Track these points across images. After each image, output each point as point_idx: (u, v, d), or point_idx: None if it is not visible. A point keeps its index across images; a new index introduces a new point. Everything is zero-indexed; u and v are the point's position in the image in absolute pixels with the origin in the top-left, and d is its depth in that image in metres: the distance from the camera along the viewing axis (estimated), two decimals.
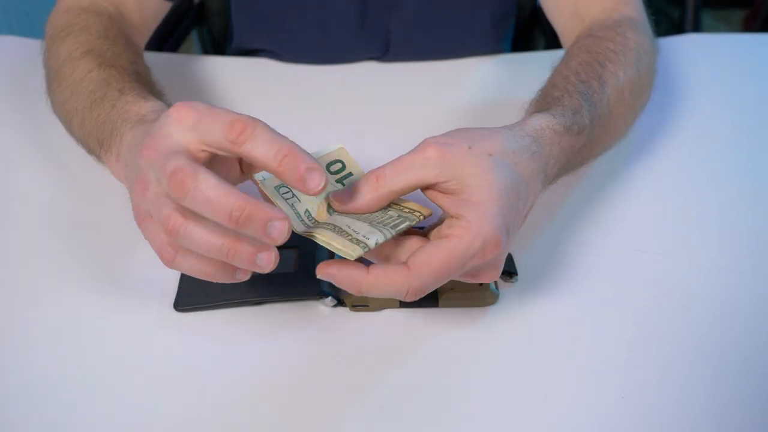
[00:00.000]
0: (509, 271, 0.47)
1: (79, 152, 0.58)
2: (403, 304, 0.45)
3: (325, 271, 0.38)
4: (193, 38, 0.97)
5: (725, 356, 0.42)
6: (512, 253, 0.49)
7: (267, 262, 0.35)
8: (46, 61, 0.58)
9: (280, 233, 0.34)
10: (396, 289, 0.37)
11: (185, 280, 0.46)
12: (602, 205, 0.54)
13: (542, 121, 0.45)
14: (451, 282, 0.45)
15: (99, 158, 0.50)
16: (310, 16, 0.73)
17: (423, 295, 0.38)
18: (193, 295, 0.45)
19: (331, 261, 0.38)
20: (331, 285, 0.45)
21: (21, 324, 0.44)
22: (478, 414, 0.39)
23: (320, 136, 0.61)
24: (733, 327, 0.44)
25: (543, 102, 0.50)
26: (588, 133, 0.48)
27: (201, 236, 0.35)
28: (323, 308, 0.45)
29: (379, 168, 0.40)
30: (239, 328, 0.44)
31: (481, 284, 0.45)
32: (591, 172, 0.57)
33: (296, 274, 0.45)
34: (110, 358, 0.42)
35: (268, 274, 0.45)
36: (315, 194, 0.35)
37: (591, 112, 0.49)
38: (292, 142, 0.36)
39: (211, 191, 0.33)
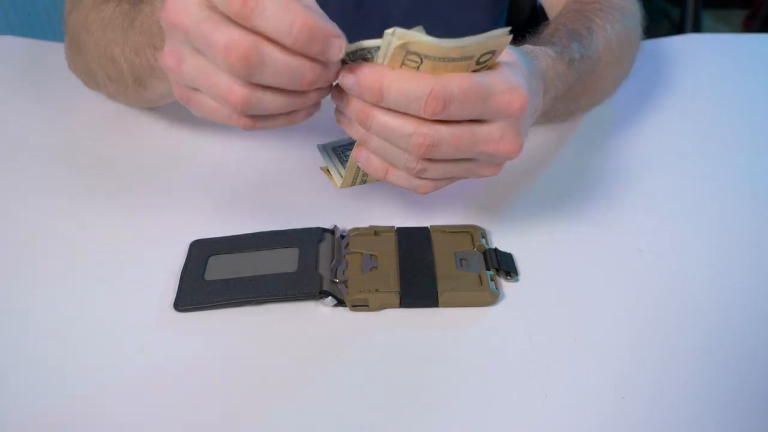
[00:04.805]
0: (509, 271, 0.47)
1: (79, 152, 0.59)
2: (403, 304, 0.45)
3: (347, 75, 0.36)
4: None
5: (725, 356, 0.42)
6: (512, 253, 0.49)
7: (338, 49, 0.34)
8: (67, 26, 0.56)
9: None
10: (417, 88, 0.35)
11: (185, 280, 0.46)
12: (602, 205, 0.54)
13: (533, 47, 0.46)
14: (451, 282, 0.46)
15: (153, 69, 0.47)
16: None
17: (442, 110, 0.35)
18: (193, 295, 0.45)
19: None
20: (331, 285, 0.45)
21: (21, 324, 0.44)
22: (478, 413, 0.39)
23: (316, 131, 0.61)
24: (734, 327, 0.44)
25: (535, 43, 0.51)
26: (577, 68, 0.49)
27: (271, 101, 0.35)
28: (323, 308, 0.45)
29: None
30: (239, 328, 0.44)
31: (481, 284, 0.45)
32: (591, 171, 0.57)
33: (296, 274, 0.45)
34: (110, 358, 0.42)
35: (267, 275, 0.45)
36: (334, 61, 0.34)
37: (580, 51, 0.50)
38: (306, 13, 0.32)
39: (282, 61, 0.32)
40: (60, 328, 0.44)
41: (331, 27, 0.34)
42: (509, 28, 0.36)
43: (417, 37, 0.35)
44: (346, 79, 0.36)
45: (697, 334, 0.44)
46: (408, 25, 0.36)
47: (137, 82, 0.50)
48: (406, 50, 0.35)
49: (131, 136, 0.60)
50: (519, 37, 0.50)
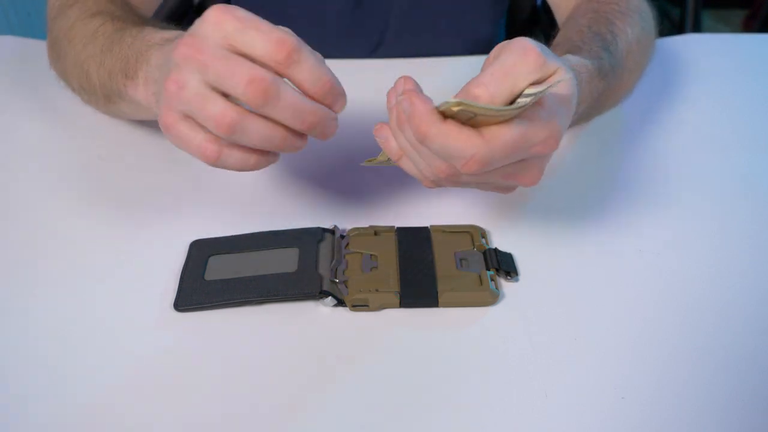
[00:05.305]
0: (509, 271, 0.47)
1: (79, 152, 0.59)
2: (403, 304, 0.45)
3: (407, 99, 0.37)
4: None
5: (725, 356, 0.42)
6: (512, 253, 0.49)
7: (342, 105, 0.40)
8: (51, 31, 0.57)
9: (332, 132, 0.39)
10: (463, 147, 0.36)
11: (185, 280, 0.46)
12: (602, 205, 0.54)
13: (578, 60, 0.47)
14: (451, 282, 0.46)
15: (122, 94, 0.49)
16: (307, 11, 0.73)
17: (480, 169, 0.37)
18: (193, 295, 0.45)
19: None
20: (331, 285, 0.45)
21: (20, 324, 0.44)
22: (478, 413, 0.39)
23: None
24: (734, 327, 0.44)
25: (565, 47, 0.51)
26: (609, 80, 0.50)
27: (260, 129, 0.37)
28: (323, 308, 0.45)
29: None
30: (239, 328, 0.44)
31: (481, 284, 0.45)
32: (591, 172, 0.57)
33: (296, 274, 0.45)
34: (110, 357, 0.42)
35: (267, 275, 0.45)
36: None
37: (611, 62, 0.50)
38: (329, 72, 0.38)
39: (296, 102, 0.36)
40: (60, 328, 0.44)
41: (342, 88, 0.39)
42: (552, 84, 0.37)
43: (475, 104, 0.35)
44: (405, 103, 0.37)
45: (697, 334, 0.44)
46: (408, 25, 0.37)
47: (107, 99, 0.53)
48: (461, 107, 0.35)
49: (131, 136, 0.60)
50: (525, 33, 0.50)
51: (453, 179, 0.40)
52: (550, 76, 0.39)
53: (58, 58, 0.57)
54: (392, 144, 0.42)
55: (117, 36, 0.49)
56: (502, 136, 0.36)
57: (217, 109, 0.36)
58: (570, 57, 0.47)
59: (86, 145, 0.60)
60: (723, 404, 0.40)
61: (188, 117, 0.38)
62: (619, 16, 0.56)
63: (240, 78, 0.35)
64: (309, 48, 0.37)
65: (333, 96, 0.39)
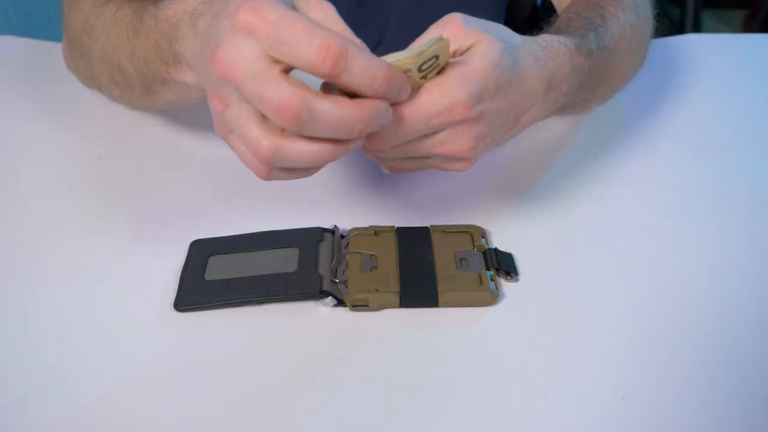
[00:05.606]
0: (509, 271, 0.47)
1: (79, 152, 0.58)
2: (403, 304, 0.45)
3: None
4: None
5: (725, 356, 0.42)
6: (512, 253, 0.49)
7: (407, 91, 0.37)
8: (66, 29, 0.56)
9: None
10: (344, 118, 0.35)
11: (185, 280, 0.46)
12: (602, 204, 0.54)
13: (553, 37, 0.46)
14: (451, 282, 0.46)
15: (165, 81, 0.46)
16: None
17: (384, 146, 0.39)
18: (193, 295, 0.45)
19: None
20: (331, 285, 0.45)
21: (21, 324, 0.44)
22: (478, 413, 0.39)
23: None
24: (734, 327, 0.44)
25: (551, 33, 0.50)
26: (595, 58, 0.49)
27: (302, 151, 0.35)
28: (323, 308, 0.45)
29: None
30: (239, 328, 0.44)
31: (481, 284, 0.45)
32: (591, 171, 0.57)
33: (296, 274, 0.45)
34: (110, 357, 0.42)
35: (268, 275, 0.45)
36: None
37: (597, 41, 0.50)
38: (382, 64, 0.35)
39: (333, 117, 0.34)
40: (60, 328, 0.44)
41: (401, 72, 0.36)
42: (441, 35, 0.37)
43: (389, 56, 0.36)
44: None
45: (697, 334, 0.44)
46: (408, 24, 0.37)
47: (146, 90, 0.50)
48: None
49: (131, 137, 0.60)
50: (526, 33, 0.51)
51: (380, 155, 0.41)
52: (472, 46, 0.40)
53: (80, 55, 0.54)
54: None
55: (137, 20, 0.47)
56: (375, 104, 0.36)
57: (253, 138, 0.35)
58: (544, 36, 0.46)
59: (86, 145, 0.60)
60: (723, 404, 0.40)
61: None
62: (611, 2, 0.55)
63: (269, 105, 0.33)
64: (354, 45, 0.34)
65: (394, 88, 0.36)
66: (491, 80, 0.40)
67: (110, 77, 0.52)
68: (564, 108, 0.49)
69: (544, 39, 0.45)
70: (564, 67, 0.45)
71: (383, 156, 0.42)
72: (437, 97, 0.38)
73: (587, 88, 0.51)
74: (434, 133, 0.40)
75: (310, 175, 0.39)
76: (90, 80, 0.56)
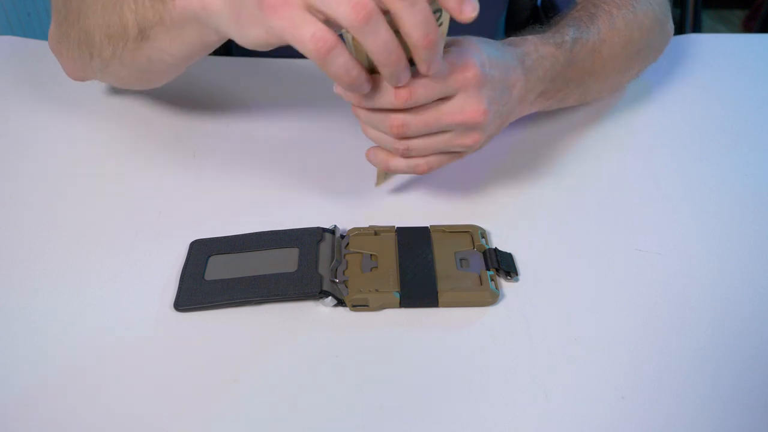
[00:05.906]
0: (509, 271, 0.47)
1: (79, 152, 0.59)
2: (403, 304, 0.45)
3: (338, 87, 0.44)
4: None
5: (725, 356, 0.42)
6: (512, 253, 0.49)
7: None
8: (55, 2, 0.55)
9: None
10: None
11: (185, 280, 0.46)
12: (602, 204, 0.54)
13: (514, 38, 0.52)
14: (451, 282, 0.46)
15: (163, 18, 0.47)
16: None
17: (408, 100, 0.43)
18: (193, 295, 0.45)
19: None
20: (331, 285, 0.45)
21: (20, 323, 0.44)
22: (478, 413, 0.39)
23: (323, 132, 0.61)
24: (733, 327, 0.44)
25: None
26: (570, 48, 0.53)
27: (387, 34, 0.38)
28: (323, 308, 0.45)
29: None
30: (239, 328, 0.44)
31: (481, 284, 0.45)
32: (591, 171, 0.58)
33: (296, 274, 0.46)
34: (110, 358, 0.42)
35: (268, 275, 0.45)
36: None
37: (574, 34, 0.54)
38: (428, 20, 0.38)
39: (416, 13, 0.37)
40: (60, 328, 0.44)
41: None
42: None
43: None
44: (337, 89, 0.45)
45: (697, 334, 0.44)
46: None
47: (141, 34, 0.49)
48: None
49: (131, 137, 0.60)
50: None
51: (404, 130, 0.45)
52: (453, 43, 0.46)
53: (76, 20, 0.53)
54: (378, 155, 0.49)
55: None
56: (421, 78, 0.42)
57: (311, 32, 0.37)
58: (508, 39, 0.52)
59: (86, 146, 0.60)
60: (723, 404, 0.40)
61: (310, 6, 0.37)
62: (609, 2, 0.58)
63: (338, 2, 0.36)
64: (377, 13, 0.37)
65: (430, 24, 0.38)
66: (484, 53, 0.46)
67: (107, 33, 0.50)
68: (551, 96, 0.54)
69: (507, 40, 0.52)
70: (533, 53, 0.51)
71: (410, 134, 0.45)
72: (453, 58, 0.44)
73: (570, 78, 0.55)
74: (449, 98, 0.44)
75: (354, 79, 0.40)
76: (81, 49, 0.54)
